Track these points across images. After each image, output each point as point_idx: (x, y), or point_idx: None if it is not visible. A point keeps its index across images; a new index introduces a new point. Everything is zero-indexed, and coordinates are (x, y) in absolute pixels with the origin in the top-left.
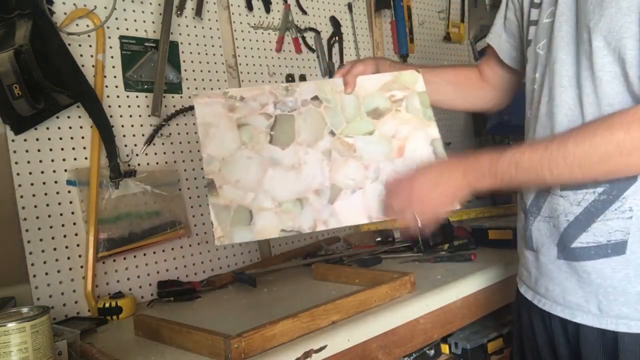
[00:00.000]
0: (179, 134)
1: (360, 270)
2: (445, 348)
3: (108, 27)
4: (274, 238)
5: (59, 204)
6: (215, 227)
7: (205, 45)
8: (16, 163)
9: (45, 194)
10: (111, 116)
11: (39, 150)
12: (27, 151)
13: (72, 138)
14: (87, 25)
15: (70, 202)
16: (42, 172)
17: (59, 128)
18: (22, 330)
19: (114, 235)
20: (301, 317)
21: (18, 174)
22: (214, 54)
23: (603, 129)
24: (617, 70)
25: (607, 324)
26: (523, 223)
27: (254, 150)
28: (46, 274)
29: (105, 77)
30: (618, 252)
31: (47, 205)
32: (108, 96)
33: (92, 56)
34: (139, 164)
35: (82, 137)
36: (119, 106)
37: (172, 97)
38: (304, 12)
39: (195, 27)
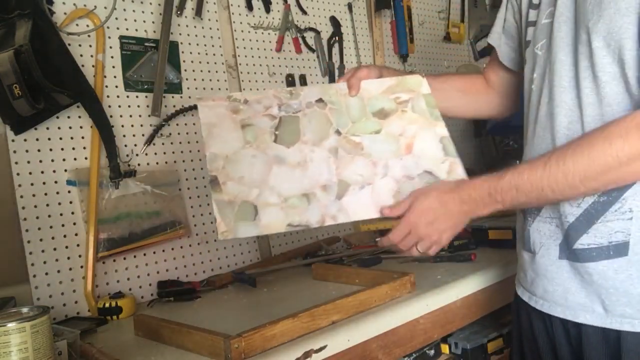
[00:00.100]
0: (179, 134)
1: (360, 270)
2: (445, 348)
3: (108, 27)
4: (279, 233)
5: (59, 204)
6: (219, 222)
7: (205, 45)
8: (16, 163)
9: (45, 194)
10: (111, 116)
11: (39, 150)
12: (27, 151)
13: (72, 138)
14: (87, 25)
15: (70, 202)
16: (42, 172)
17: (59, 128)
18: (22, 330)
19: (114, 235)
20: (301, 317)
21: (18, 174)
22: (214, 54)
23: (602, 139)
24: (617, 71)
25: (612, 324)
26: (522, 224)
27: (259, 149)
28: (46, 274)
29: (105, 77)
30: (620, 253)
31: (47, 205)
32: (108, 96)
33: (92, 56)
34: (139, 164)
35: (82, 137)
36: (119, 106)
37: (172, 97)
38: (304, 12)
39: (195, 27)
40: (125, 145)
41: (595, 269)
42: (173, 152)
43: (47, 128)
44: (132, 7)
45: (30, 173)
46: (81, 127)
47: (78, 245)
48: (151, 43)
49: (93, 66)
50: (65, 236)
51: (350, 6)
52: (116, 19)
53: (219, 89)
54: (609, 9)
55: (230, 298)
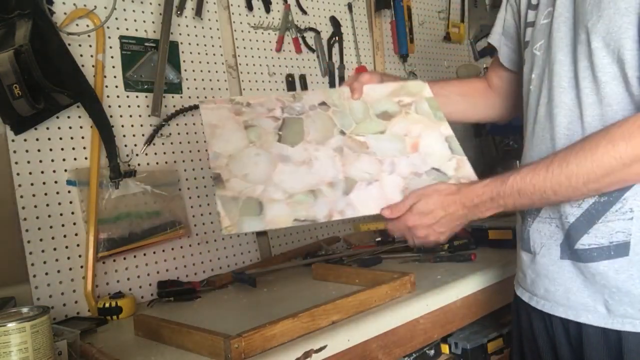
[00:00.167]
0: (179, 134)
1: (360, 270)
2: (445, 348)
3: (108, 27)
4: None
5: (59, 204)
6: (222, 217)
7: (205, 45)
8: (16, 163)
9: (45, 194)
10: (111, 116)
11: (39, 150)
12: (27, 151)
13: (72, 138)
14: (87, 25)
15: (70, 202)
16: (42, 172)
17: (59, 128)
18: (22, 330)
19: (114, 235)
20: (301, 317)
21: (18, 174)
22: (214, 54)
23: (605, 142)
24: (616, 71)
25: (613, 324)
26: (521, 225)
27: (262, 148)
28: (46, 274)
29: (105, 77)
30: (621, 253)
31: (47, 205)
32: (108, 96)
33: (92, 56)
34: (139, 164)
35: (82, 137)
36: (119, 106)
37: (172, 97)
38: (304, 12)
39: (195, 27)
40: (125, 145)
41: (596, 269)
42: (173, 152)
43: (47, 128)
44: (132, 7)
45: (30, 173)
46: (81, 127)
47: (78, 245)
48: (151, 43)
49: (93, 66)
50: (65, 236)
51: (350, 6)
52: (116, 19)
53: (219, 89)
54: (609, 9)
55: (230, 298)
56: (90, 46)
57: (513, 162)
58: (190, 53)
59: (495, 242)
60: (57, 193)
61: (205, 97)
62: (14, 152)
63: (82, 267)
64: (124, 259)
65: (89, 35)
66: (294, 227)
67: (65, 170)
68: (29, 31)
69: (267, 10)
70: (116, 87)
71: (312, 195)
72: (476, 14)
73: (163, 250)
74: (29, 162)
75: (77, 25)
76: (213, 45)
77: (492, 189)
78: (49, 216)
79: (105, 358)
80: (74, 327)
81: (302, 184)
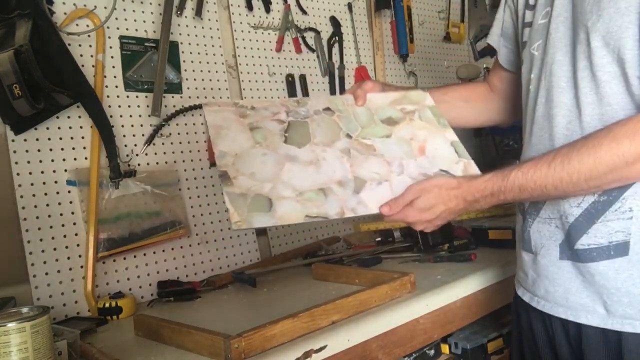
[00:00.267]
0: (179, 134)
1: (360, 270)
2: (445, 348)
3: (108, 27)
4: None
5: (59, 204)
6: (232, 213)
7: (205, 45)
8: (16, 163)
9: (45, 194)
10: (111, 116)
11: (39, 150)
12: (27, 151)
13: (72, 138)
14: (87, 25)
15: (70, 202)
16: (42, 172)
17: (59, 128)
18: (22, 330)
19: (114, 235)
20: (301, 317)
21: (18, 174)
22: (214, 54)
23: (608, 140)
24: (616, 70)
25: (613, 325)
26: (521, 225)
27: (269, 148)
28: (46, 274)
29: (105, 77)
30: (620, 253)
31: (47, 205)
32: (108, 96)
33: (92, 56)
34: (139, 164)
35: (82, 137)
36: (119, 106)
37: (172, 97)
38: (304, 12)
39: (195, 27)
40: (125, 145)
41: (596, 269)
42: (173, 152)
43: (47, 128)
44: (132, 7)
45: (30, 173)
46: (81, 127)
47: (78, 245)
48: (151, 43)
49: (93, 66)
50: (65, 236)
51: (350, 6)
52: (116, 19)
53: (219, 89)
54: (609, 9)
55: (230, 298)
56: (90, 46)
57: (513, 162)
58: (190, 53)
59: (495, 242)
60: (57, 193)
61: (205, 97)
62: (14, 152)
63: (82, 267)
64: (124, 259)
65: (89, 35)
66: (294, 227)
67: (65, 170)
68: (29, 31)
69: (267, 10)
70: (116, 87)
71: (322, 193)
72: (476, 14)
73: (163, 250)
74: (29, 162)
75: (77, 25)
76: (213, 45)
77: (493, 184)
78: (49, 216)
79: (105, 358)
80: (74, 327)
81: (311, 182)
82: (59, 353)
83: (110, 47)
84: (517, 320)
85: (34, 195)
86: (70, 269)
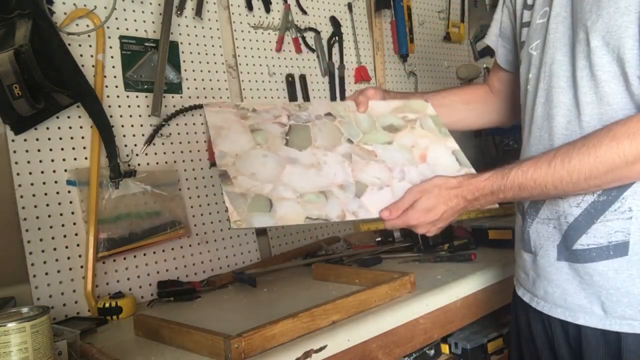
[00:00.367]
0: (179, 134)
1: (360, 270)
2: (445, 348)
3: (108, 27)
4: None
5: (59, 204)
6: (231, 212)
7: (205, 45)
8: (16, 163)
9: (45, 194)
10: (111, 116)
11: (39, 150)
12: (27, 151)
13: (72, 138)
14: (87, 25)
15: (70, 202)
16: (42, 172)
17: (59, 128)
18: (22, 330)
19: (114, 235)
20: (301, 317)
21: (18, 174)
22: (214, 54)
23: (608, 139)
24: (616, 70)
25: (611, 325)
26: (520, 225)
27: (270, 150)
28: (46, 274)
29: (105, 77)
30: (620, 253)
31: (47, 205)
32: (108, 96)
33: (92, 56)
34: (139, 164)
35: (82, 137)
36: (119, 106)
37: (172, 97)
38: (304, 12)
39: (195, 27)
40: (125, 145)
41: (595, 269)
42: (173, 152)
43: (47, 128)
44: (132, 7)
45: (30, 173)
46: (81, 127)
47: (78, 245)
48: (151, 43)
49: (93, 66)
50: (65, 236)
51: (350, 6)
52: (116, 19)
53: (219, 89)
54: (608, 8)
55: (230, 298)
56: (90, 46)
57: (513, 162)
58: (190, 53)
59: (495, 242)
60: (57, 193)
61: (205, 97)
62: (14, 152)
63: (82, 267)
64: (124, 259)
65: (89, 35)
66: (294, 228)
67: (65, 170)
68: (29, 31)
69: (267, 10)
70: (116, 87)
71: (323, 195)
72: (476, 14)
73: (163, 250)
74: (29, 162)
75: (77, 25)
76: (213, 45)
77: (493, 183)
78: (49, 216)
79: (105, 358)
80: (74, 327)
81: (312, 185)
82: (59, 353)
83: (110, 47)
84: (515, 320)
85: (34, 195)
86: (70, 269)
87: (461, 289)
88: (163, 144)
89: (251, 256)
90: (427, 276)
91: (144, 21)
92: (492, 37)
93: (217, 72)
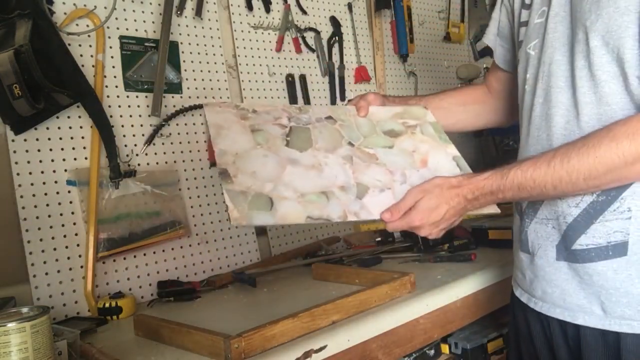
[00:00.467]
0: (179, 134)
1: (360, 270)
2: (445, 348)
3: (108, 27)
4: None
5: (59, 204)
6: (231, 209)
7: (205, 45)
8: (16, 163)
9: (45, 194)
10: (111, 116)
11: (39, 150)
12: (27, 151)
13: (72, 138)
14: (87, 25)
15: (70, 202)
16: (42, 172)
17: (59, 128)
18: (22, 330)
19: (114, 235)
20: (301, 317)
21: (18, 174)
22: (214, 54)
23: (608, 140)
24: (615, 70)
25: (611, 325)
26: (518, 225)
27: (270, 150)
28: (46, 274)
29: (105, 77)
30: (619, 253)
31: (47, 205)
32: (108, 96)
33: (92, 56)
34: (139, 164)
35: (82, 137)
36: (119, 106)
37: (172, 97)
38: (304, 12)
39: (195, 27)
40: (125, 145)
41: (595, 269)
42: (173, 152)
43: (47, 128)
44: (132, 7)
45: (30, 173)
46: (81, 127)
47: (78, 245)
48: (151, 43)
49: (93, 66)
50: (65, 236)
51: (350, 6)
52: (116, 19)
53: (219, 89)
54: (608, 8)
55: (230, 298)
56: (90, 46)
57: (512, 162)
58: (190, 53)
59: (495, 242)
60: (57, 193)
61: (205, 97)
62: (14, 152)
63: (82, 267)
64: (124, 259)
65: (89, 35)
66: (294, 227)
67: (65, 170)
68: (29, 31)
69: (267, 10)
70: (116, 87)
71: (324, 196)
72: (476, 14)
73: (163, 250)
74: (29, 162)
75: (77, 25)
76: (213, 45)
77: (492, 182)
78: (49, 216)
79: (105, 358)
80: (74, 327)
81: (313, 185)
82: (59, 353)
83: (110, 47)
84: (514, 321)
85: (34, 195)
86: (70, 269)
87: (461, 289)
88: (163, 144)
89: (251, 256)
90: (427, 276)
91: (144, 21)
92: (490, 36)
93: (217, 72)
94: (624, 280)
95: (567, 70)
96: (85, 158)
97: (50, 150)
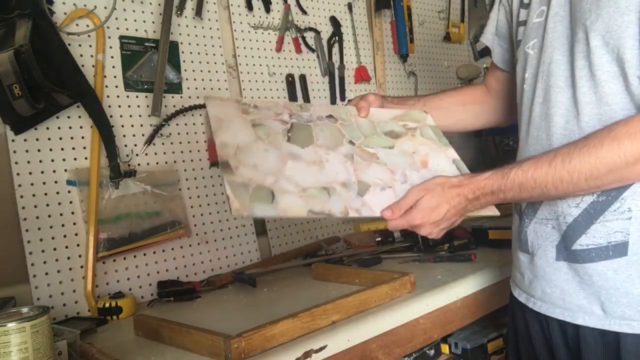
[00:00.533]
0: (179, 134)
1: (360, 270)
2: (445, 348)
3: (108, 27)
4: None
5: (59, 204)
6: (232, 200)
7: (205, 45)
8: (16, 163)
9: (45, 194)
10: (111, 116)
11: (39, 150)
12: (27, 151)
13: (72, 138)
14: (87, 25)
15: (70, 202)
16: (42, 172)
17: (59, 128)
18: (22, 330)
19: (114, 235)
20: (301, 317)
21: (18, 174)
22: (214, 54)
23: (609, 140)
24: (616, 70)
25: (611, 325)
26: (518, 225)
27: (272, 145)
28: (46, 274)
29: (105, 77)
30: (619, 253)
31: (47, 205)
32: (108, 96)
33: (92, 56)
34: (139, 164)
35: (82, 137)
36: (119, 106)
37: (172, 97)
38: (304, 12)
39: (195, 27)
40: (125, 145)
41: (595, 269)
42: (173, 152)
43: (47, 128)
44: (132, 7)
45: (30, 173)
46: (81, 127)
47: (78, 245)
48: (151, 43)
49: (93, 66)
50: (65, 236)
51: (350, 6)
52: (116, 19)
53: (219, 89)
54: (608, 7)
55: (230, 298)
56: (90, 46)
57: (513, 162)
58: (190, 53)
59: (495, 242)
60: (57, 193)
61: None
62: (14, 152)
63: (82, 267)
64: (124, 259)
65: (89, 35)
66: (294, 227)
67: (65, 170)
68: (29, 31)
69: (267, 10)
70: (116, 87)
71: (325, 192)
72: (476, 14)
73: (163, 250)
74: (29, 162)
75: (77, 25)
76: (213, 45)
77: (493, 182)
78: (49, 216)
79: (105, 358)
80: (74, 327)
81: (315, 181)
82: (59, 353)
83: (110, 47)
84: (512, 321)
85: (34, 195)
86: (70, 269)
87: (461, 289)
88: (163, 144)
89: (251, 256)
90: (427, 276)
91: (144, 21)
92: (488, 35)
93: (217, 72)
94: (624, 280)
95: (566, 70)
96: (85, 158)
97: (50, 150)
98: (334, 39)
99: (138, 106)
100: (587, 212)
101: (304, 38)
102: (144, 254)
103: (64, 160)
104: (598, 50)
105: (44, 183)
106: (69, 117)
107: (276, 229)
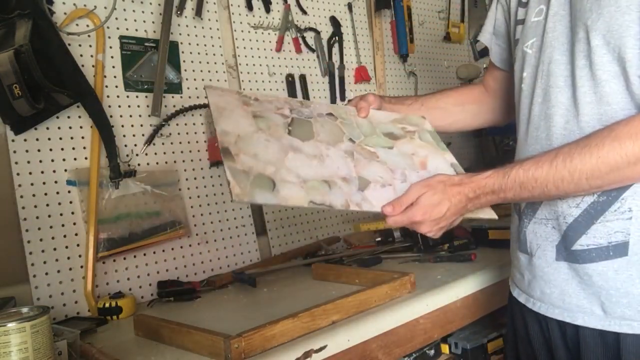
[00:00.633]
0: (179, 134)
1: (360, 270)
2: (445, 348)
3: (108, 27)
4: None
5: (59, 204)
6: (233, 185)
7: (205, 45)
8: (16, 163)
9: (45, 194)
10: (111, 116)
11: (39, 150)
12: (27, 151)
13: (72, 138)
14: (87, 25)
15: (70, 202)
16: (42, 172)
17: (59, 128)
18: (22, 330)
19: (114, 235)
20: (301, 317)
21: (18, 174)
22: (214, 54)
23: (610, 140)
24: (616, 70)
25: (611, 326)
26: (517, 225)
27: (273, 136)
28: (46, 274)
29: (105, 77)
30: (620, 253)
31: (47, 205)
32: (108, 96)
33: (92, 56)
34: (139, 164)
35: (82, 137)
36: (119, 106)
37: (172, 97)
38: (304, 12)
39: (195, 27)
40: (125, 145)
41: (595, 269)
42: (173, 152)
43: (47, 128)
44: (132, 7)
45: (30, 173)
46: (81, 127)
47: (78, 245)
48: (151, 43)
49: (93, 66)
50: (65, 236)
51: (350, 6)
52: (116, 19)
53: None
54: (609, 7)
55: (230, 298)
56: (90, 46)
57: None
58: (190, 53)
59: (495, 242)
60: (57, 193)
61: (205, 97)
62: (14, 152)
63: (82, 267)
64: (124, 259)
65: (89, 35)
66: (294, 227)
67: (65, 170)
68: (29, 31)
69: (267, 10)
70: (116, 87)
71: (326, 184)
72: (476, 14)
73: (163, 250)
74: (29, 162)
75: (77, 25)
76: (213, 45)
77: (494, 181)
78: (49, 216)
79: (105, 358)
80: (74, 327)
81: (316, 173)
82: (59, 353)
83: (110, 47)
84: (511, 321)
85: (34, 195)
86: (70, 269)
87: (461, 289)
88: (163, 144)
89: (251, 256)
90: (427, 276)
91: (144, 21)
92: (486, 34)
93: (217, 72)
94: (624, 280)
95: (566, 69)
96: (85, 158)
97: (50, 150)
98: (334, 39)
99: (138, 106)
100: (587, 212)
101: (304, 38)
102: (144, 254)
103: (64, 160)
104: (599, 50)
105: (44, 183)
106: (69, 117)
107: (276, 229)
